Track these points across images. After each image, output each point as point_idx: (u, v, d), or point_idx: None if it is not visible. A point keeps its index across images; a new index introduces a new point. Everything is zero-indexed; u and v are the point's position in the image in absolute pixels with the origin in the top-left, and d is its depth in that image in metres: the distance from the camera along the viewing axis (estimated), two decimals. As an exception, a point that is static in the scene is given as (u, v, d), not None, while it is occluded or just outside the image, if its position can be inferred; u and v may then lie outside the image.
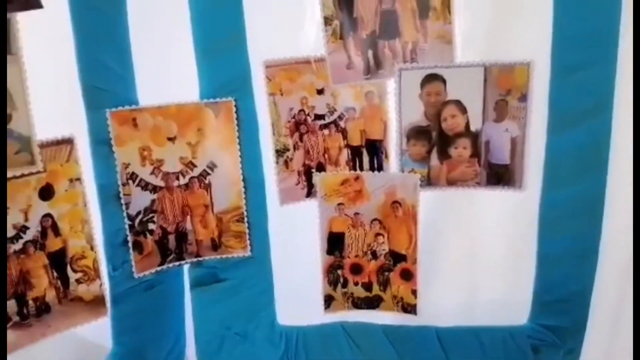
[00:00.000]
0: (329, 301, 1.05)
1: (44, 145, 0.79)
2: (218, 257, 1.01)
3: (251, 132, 0.96)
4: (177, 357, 1.07)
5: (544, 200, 0.90)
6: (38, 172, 0.79)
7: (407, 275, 0.99)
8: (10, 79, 0.74)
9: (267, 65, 0.93)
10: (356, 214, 0.99)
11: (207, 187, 0.99)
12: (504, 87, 0.88)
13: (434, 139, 0.91)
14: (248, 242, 1.00)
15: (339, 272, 1.03)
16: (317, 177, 0.98)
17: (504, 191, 0.90)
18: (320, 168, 0.98)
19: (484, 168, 0.90)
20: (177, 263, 1.00)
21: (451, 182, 0.92)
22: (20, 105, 0.76)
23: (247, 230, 1.00)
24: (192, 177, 0.97)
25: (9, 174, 0.75)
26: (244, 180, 0.97)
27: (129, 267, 0.94)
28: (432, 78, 0.88)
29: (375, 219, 0.99)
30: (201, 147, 0.96)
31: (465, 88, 0.86)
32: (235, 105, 0.94)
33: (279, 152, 0.97)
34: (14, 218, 0.78)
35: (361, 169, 0.97)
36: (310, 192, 0.99)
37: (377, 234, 0.99)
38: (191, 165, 0.97)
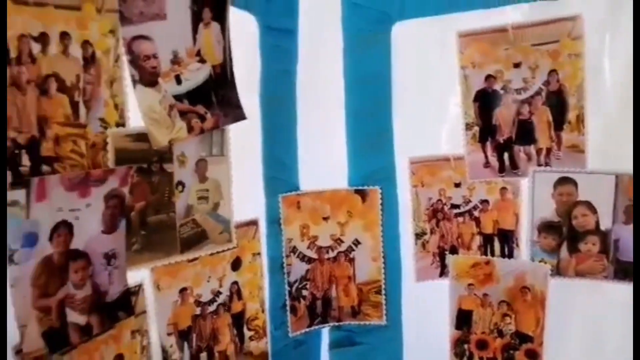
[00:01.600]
0: (455, 373, 1.16)
1: (237, 226, 0.98)
2: (356, 322, 1.15)
3: (392, 216, 1.11)
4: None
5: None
6: (232, 248, 0.97)
7: (533, 356, 1.07)
8: (221, 174, 0.94)
9: (412, 162, 1.08)
10: (485, 294, 1.10)
11: (352, 261, 1.14)
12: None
13: (564, 234, 1.01)
14: (384, 311, 1.13)
15: (466, 346, 1.13)
16: (450, 259, 1.11)
17: (631, 286, 0.98)
18: (454, 251, 1.11)
19: (612, 263, 0.99)
20: (322, 325, 1.14)
21: (579, 274, 1.01)
22: (226, 195, 0.95)
23: (383, 301, 1.13)
24: (339, 252, 1.13)
25: (214, 250, 0.94)
26: (383, 257, 1.12)
27: (286, 327, 1.10)
28: (564, 181, 0.99)
29: (503, 301, 1.09)
30: (349, 226, 1.12)
31: (596, 192, 0.96)
32: (381, 193, 1.10)
33: (418, 235, 1.10)
34: (212, 284, 0.96)
35: (492, 254, 1.09)
36: (443, 272, 1.11)
37: (505, 315, 1.09)
38: (339, 241, 1.13)
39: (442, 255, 1.11)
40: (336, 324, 1.15)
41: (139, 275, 0.85)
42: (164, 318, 0.90)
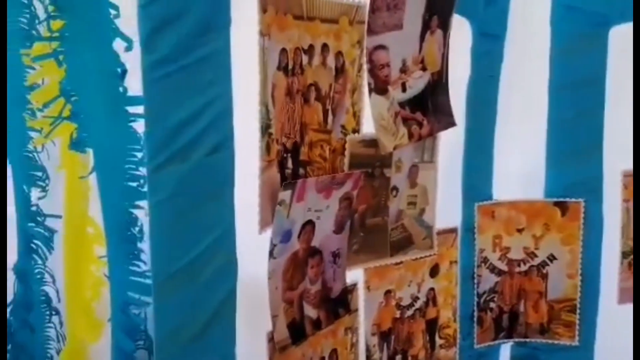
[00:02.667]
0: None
1: (438, 233, 0.98)
2: (544, 340, 1.10)
3: (595, 232, 1.05)
4: None
5: None
6: (432, 255, 0.98)
7: None
8: (428, 180, 0.95)
9: (625, 174, 1.01)
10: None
11: (544, 277, 1.09)
12: None
13: None
14: (577, 331, 1.08)
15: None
16: (660, 283, 1.03)
17: None
18: (666, 275, 1.02)
19: None
20: (506, 340, 1.11)
21: None
22: (431, 201, 0.95)
23: (577, 321, 1.08)
24: (531, 266, 1.09)
25: (417, 255, 0.95)
26: (581, 274, 1.06)
27: (472, 338, 1.09)
28: None
29: None
30: (544, 240, 1.07)
31: None
32: (584, 207, 1.05)
33: (625, 254, 1.03)
34: (412, 289, 0.97)
35: None
36: (652, 297, 1.04)
37: None
38: (532, 255, 1.09)
39: (652, 278, 1.04)
40: (522, 340, 1.12)
41: (354, 275, 0.89)
42: (370, 318, 0.92)
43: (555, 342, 1.09)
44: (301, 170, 0.73)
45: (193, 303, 0.62)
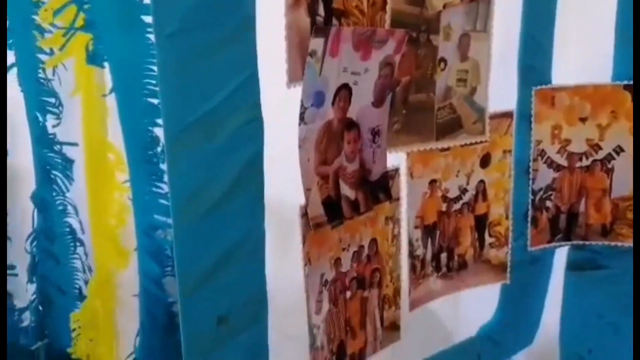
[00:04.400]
0: None
1: (491, 117, 0.87)
2: (606, 243, 1.00)
3: (674, 117, 0.92)
4: (534, 333, 1.11)
5: None
6: (483, 142, 0.88)
7: None
8: (481, 54, 0.83)
9: None
10: None
11: (609, 172, 0.97)
12: None
13: None
14: (645, 232, 0.97)
15: None
16: None
17: None
18: None
19: None
20: (563, 243, 1.02)
21: None
22: (483, 80, 0.84)
23: (646, 220, 0.97)
24: (595, 160, 0.96)
25: (466, 140, 0.85)
26: (654, 167, 0.94)
27: (525, 240, 0.99)
28: None
29: None
30: (611, 130, 0.94)
31: None
32: (661, 89, 0.91)
33: None
34: (460, 180, 0.87)
35: None
36: None
37: None
38: (597, 147, 0.96)
39: None
40: (580, 242, 1.02)
41: (396, 159, 0.80)
42: (414, 209, 0.83)
43: (619, 244, 0.99)
44: (334, 21, 0.62)
45: (211, 165, 0.55)
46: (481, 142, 0.86)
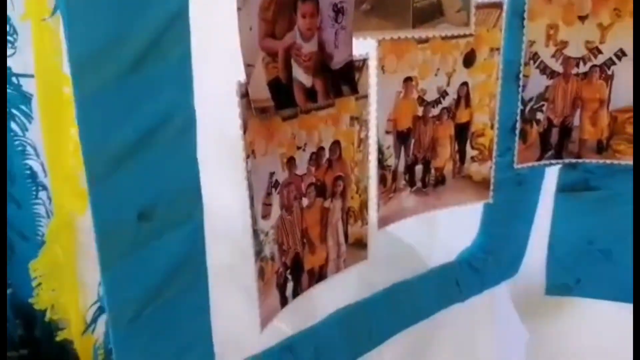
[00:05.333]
0: None
1: (478, 7, 0.75)
2: (601, 161, 0.91)
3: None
4: (519, 262, 1.03)
5: None
6: (467, 36, 0.76)
7: None
8: None
9: None
10: None
11: (608, 79, 0.86)
12: None
13: None
14: (645, 147, 0.88)
15: None
16: None
17: None
18: None
19: None
20: (554, 160, 0.92)
21: None
22: (470, -41, 0.73)
23: (647, 134, 0.88)
24: (593, 66, 0.86)
25: (448, 31, 0.73)
26: (660, 73, 0.84)
27: (512, 155, 0.89)
28: None
29: None
30: (613, 30, 0.83)
31: None
32: (673, -20, 0.80)
33: None
34: (440, 80, 0.76)
35: None
36: None
37: None
38: (596, 51, 0.85)
39: None
40: (573, 160, 0.93)
41: (364, 47, 0.69)
42: (385, 110, 0.72)
43: (615, 162, 0.91)
44: None
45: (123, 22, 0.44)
46: (465, 35, 0.75)
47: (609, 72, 0.85)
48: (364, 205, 0.74)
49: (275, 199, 0.60)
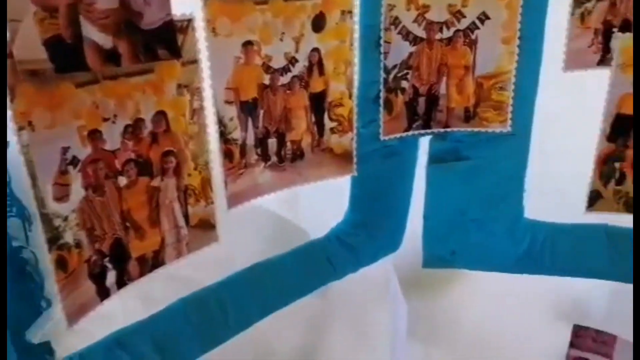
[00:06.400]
0: (594, 198, 0.87)
1: (323, -35, 0.71)
2: (469, 129, 0.89)
3: (541, -24, 0.80)
4: (399, 237, 1.01)
5: None
6: (313, -3, 0.71)
7: None
8: None
9: None
10: (662, 92, 0.80)
11: (472, 44, 0.84)
12: None
13: None
14: (510, 115, 0.86)
15: (617, 164, 0.85)
16: (617, 40, 0.78)
17: None
18: (626, 27, 0.77)
19: None
20: (422, 130, 0.90)
21: None
22: None
23: (511, 101, 0.85)
24: (457, 30, 0.83)
25: (289, -7, 0.68)
26: (520, 37, 0.81)
27: (377, 126, 0.85)
28: None
29: (689, 100, 0.79)
30: (475, -7, 0.82)
31: None
32: (528, -59, 0.77)
33: (578, 2, 0.78)
34: (286, 46, 0.70)
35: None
36: (604, 58, 0.81)
37: (688, 121, 0.79)
38: (459, 15, 0.82)
39: (607, 34, 0.79)
40: (441, 130, 0.91)
41: (188, 5, 0.62)
42: (222, 78, 0.65)
43: (483, 130, 0.90)
44: None
45: None
46: None
47: (473, 37, 0.83)
48: (206, 183, 0.68)
49: (76, 178, 0.53)
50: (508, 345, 1.10)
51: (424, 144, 0.92)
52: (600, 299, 1.00)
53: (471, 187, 0.93)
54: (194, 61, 0.62)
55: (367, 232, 0.93)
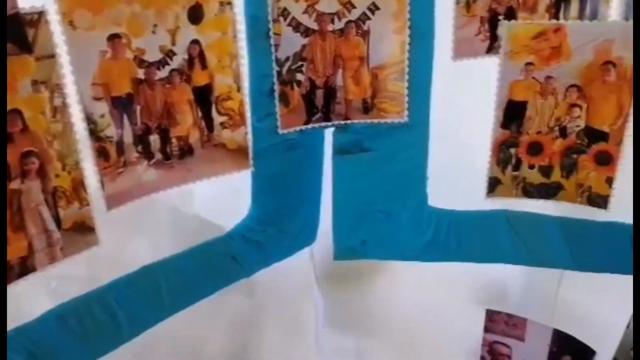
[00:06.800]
0: (493, 185, 0.88)
1: (194, -46, 0.69)
2: (368, 121, 0.89)
3: (426, -37, 0.80)
4: (311, 231, 1.00)
5: None
6: (186, -13, 0.69)
7: (605, 159, 0.80)
8: None
9: None
10: (548, 77, 0.79)
11: (365, 35, 0.84)
12: None
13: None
14: (406, 105, 0.86)
15: (512, 150, 0.86)
16: (504, 27, 0.79)
17: None
18: (511, 15, 0.79)
19: None
20: (322, 124, 0.88)
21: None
22: None
23: (406, 91, 0.85)
24: (348, 21, 0.82)
25: (158, -17, 0.66)
26: (410, 27, 0.81)
27: (274, 120, 0.84)
28: None
29: (573, 85, 0.78)
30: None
31: None
32: None
33: (460, -9, 0.79)
34: (161, 39, 0.68)
35: (566, 17, 0.78)
36: (492, 46, 0.81)
37: (572, 105, 0.80)
38: (350, 5, 0.81)
39: (493, 22, 0.80)
40: (342, 122, 0.90)
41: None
42: (87, 73, 0.62)
43: (381, 121, 0.89)
44: None
45: None
46: None
47: (365, 28, 0.82)
48: (78, 184, 0.65)
49: None
50: (428, 333, 1.11)
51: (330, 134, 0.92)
52: (513, 283, 1.02)
53: (376, 178, 0.93)
54: (51, 56, 0.59)
55: (275, 227, 0.92)
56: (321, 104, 0.86)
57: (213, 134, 0.77)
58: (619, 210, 0.82)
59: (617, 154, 0.77)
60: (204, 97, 0.74)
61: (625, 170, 0.79)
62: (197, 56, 0.71)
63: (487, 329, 1.06)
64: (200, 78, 0.72)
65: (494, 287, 1.04)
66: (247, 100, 0.78)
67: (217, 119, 0.76)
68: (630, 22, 0.71)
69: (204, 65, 0.72)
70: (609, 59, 0.74)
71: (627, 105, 0.74)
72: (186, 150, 0.75)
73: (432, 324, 1.10)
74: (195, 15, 0.70)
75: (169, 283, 0.80)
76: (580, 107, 0.78)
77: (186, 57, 0.70)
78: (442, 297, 1.08)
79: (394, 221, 0.94)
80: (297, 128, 0.86)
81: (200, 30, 0.70)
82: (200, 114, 0.74)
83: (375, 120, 0.87)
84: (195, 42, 0.70)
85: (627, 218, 0.82)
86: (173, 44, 0.69)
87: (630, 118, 0.75)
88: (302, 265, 1.03)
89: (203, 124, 0.75)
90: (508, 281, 1.01)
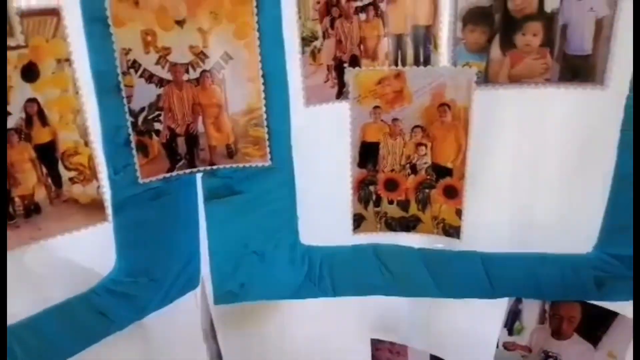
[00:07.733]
0: (358, 221, 0.92)
1: (24, 15, 0.67)
2: (234, 166, 0.90)
3: (273, 17, 0.80)
4: (190, 277, 0.98)
5: (631, 102, 0.74)
6: (18, 47, 0.68)
7: (451, 193, 0.85)
8: None
9: None
10: (394, 120, 0.84)
11: (221, 83, 0.85)
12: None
13: (496, 23, 0.74)
14: (268, 149, 0.88)
15: (372, 188, 0.90)
16: (349, 74, 0.83)
17: (581, 90, 0.73)
18: (355, 62, 0.83)
19: (557, 61, 0.73)
20: (187, 170, 0.88)
21: (514, 79, 0.75)
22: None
23: (266, 136, 0.87)
24: (203, 71, 0.83)
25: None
26: (263, 76, 0.84)
27: (133, 171, 0.82)
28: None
29: (417, 126, 0.84)
30: (214, 34, 0.81)
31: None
32: (255, -18, 0.80)
33: (306, 41, 0.81)
34: (-11, 100, 0.68)
35: (404, 63, 0.83)
36: (341, 92, 0.85)
37: (419, 144, 0.85)
38: (203, 55, 0.83)
39: (339, 69, 0.83)
40: (209, 168, 0.91)
41: None
42: None
43: (247, 165, 0.91)
44: None
45: None
46: (16, 47, 0.68)
47: (220, 77, 0.84)
48: None
49: None
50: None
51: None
52: (392, 312, 1.05)
53: (249, 220, 0.94)
54: None
55: (146, 277, 0.90)
56: (184, 151, 0.86)
57: (62, 190, 0.75)
58: (470, 239, 0.87)
59: (461, 187, 0.83)
60: (47, 154, 0.72)
61: (471, 202, 0.85)
62: (35, 114, 0.70)
63: (373, 358, 1.10)
64: (41, 135, 0.71)
65: (377, 317, 1.06)
66: (98, 154, 0.78)
67: (66, 174, 0.75)
68: (459, 67, 0.78)
69: (44, 123, 0.71)
70: (444, 101, 0.80)
71: (464, 143, 0.80)
72: (32, 209, 0.73)
73: (324, 356, 1.11)
74: (30, 74, 0.68)
75: (25, 347, 0.76)
76: (426, 145, 0.84)
77: (23, 116, 0.69)
78: (331, 329, 1.09)
79: (269, 261, 0.95)
80: (160, 176, 0.85)
81: (37, 88, 0.69)
82: (45, 171, 0.73)
83: (241, 165, 0.89)
84: (32, 100, 0.69)
85: (478, 247, 0.88)
86: (8, 103, 0.68)
87: (470, 154, 0.81)
88: (190, 311, 1.03)
89: (49, 180, 0.73)
90: (388, 311, 1.04)
